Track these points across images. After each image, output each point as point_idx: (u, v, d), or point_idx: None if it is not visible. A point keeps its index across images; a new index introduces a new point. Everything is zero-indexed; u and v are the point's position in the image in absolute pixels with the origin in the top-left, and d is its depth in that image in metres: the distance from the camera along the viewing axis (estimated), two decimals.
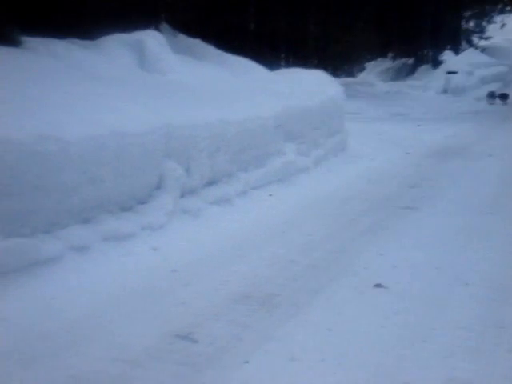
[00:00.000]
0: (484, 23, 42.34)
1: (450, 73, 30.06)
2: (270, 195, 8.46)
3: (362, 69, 36.59)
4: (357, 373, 3.83)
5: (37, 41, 8.38)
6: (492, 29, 44.29)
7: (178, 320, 4.48)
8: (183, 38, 14.04)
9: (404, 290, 5.18)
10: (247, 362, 3.91)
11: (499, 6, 44.12)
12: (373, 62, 38.13)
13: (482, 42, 42.20)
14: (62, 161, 5.51)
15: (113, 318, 4.50)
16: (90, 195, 5.86)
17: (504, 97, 22.16)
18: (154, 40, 10.22)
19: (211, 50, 13.41)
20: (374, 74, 36.81)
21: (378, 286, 5.24)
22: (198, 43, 13.70)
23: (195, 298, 4.89)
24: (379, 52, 36.39)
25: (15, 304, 4.56)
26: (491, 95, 22.81)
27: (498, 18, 47.07)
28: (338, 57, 27.83)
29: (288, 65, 23.08)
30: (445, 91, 29.17)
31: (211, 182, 7.72)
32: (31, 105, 5.80)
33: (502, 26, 51.84)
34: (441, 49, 35.16)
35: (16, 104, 5.68)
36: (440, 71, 31.50)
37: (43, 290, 4.83)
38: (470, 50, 38.44)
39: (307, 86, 12.01)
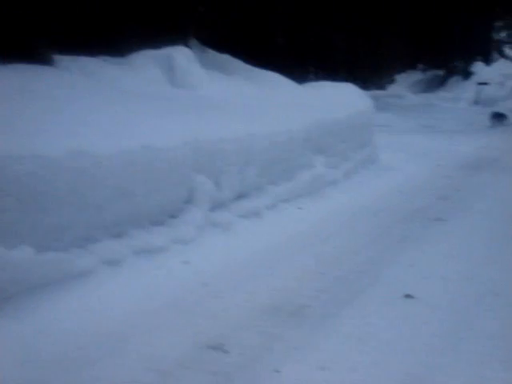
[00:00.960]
0: None
1: (481, 84, 29.88)
2: (299, 208, 8.49)
3: (392, 81, 36.45)
4: (386, 382, 3.86)
5: (69, 59, 8.55)
6: None
7: (208, 331, 4.54)
8: (212, 54, 14.16)
9: (434, 301, 5.20)
10: (278, 371, 3.95)
11: None
12: (403, 74, 38.00)
13: None
14: (94, 176, 5.61)
15: (145, 329, 4.57)
16: (122, 210, 5.96)
17: (503, 117, 20.67)
18: (183, 55, 10.34)
19: (240, 65, 13.51)
20: (404, 86, 36.69)
21: (407, 296, 5.26)
22: (226, 58, 13.83)
23: (225, 310, 4.95)
24: (409, 64, 36.27)
25: (50, 316, 4.63)
26: (495, 116, 20.94)
27: None
28: (367, 69, 27.78)
29: (317, 78, 23.11)
30: (476, 103, 29.00)
31: (240, 196, 7.78)
32: (64, 121, 5.92)
33: None
34: (472, 60, 34.97)
35: (49, 121, 5.80)
36: (471, 82, 31.33)
37: (77, 302, 4.91)
38: (502, 60, 38.21)
39: (336, 99, 12.05)
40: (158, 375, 3.89)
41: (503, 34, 41.50)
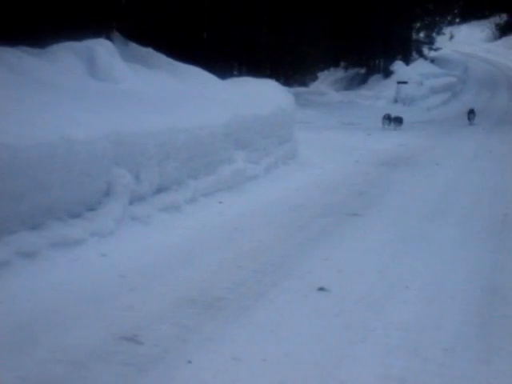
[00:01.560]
0: (434, 34, 43.07)
1: (400, 83, 30.49)
2: (220, 202, 8.58)
3: (315, 78, 36.85)
4: (296, 372, 3.97)
5: None
6: (441, 40, 45.17)
7: (123, 323, 4.57)
8: (134, 47, 14.08)
9: (346, 293, 5.34)
10: (190, 361, 4.02)
11: (448, 18, 45.03)
12: (325, 72, 38.47)
13: (432, 53, 42.96)
14: (10, 167, 5.57)
15: (59, 321, 4.58)
16: (39, 201, 5.92)
17: (398, 120, 20.94)
18: (104, 48, 10.25)
19: (162, 59, 13.47)
20: (326, 83, 37.18)
21: (321, 289, 5.39)
22: (149, 52, 13.77)
23: (141, 302, 4.99)
24: (332, 62, 36.73)
25: None
26: (387, 118, 20.80)
27: (447, 30, 48.08)
28: (290, 66, 28.03)
29: (241, 74, 23.20)
30: (395, 101, 29.60)
31: (160, 189, 7.80)
32: None
33: (451, 37, 52.93)
34: (392, 59, 35.67)
35: None
36: (391, 81, 31.96)
37: None
38: (420, 60, 39.11)
39: (257, 94, 12.15)
40: (70, 366, 3.92)
41: (422, 35, 42.44)
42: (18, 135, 5.78)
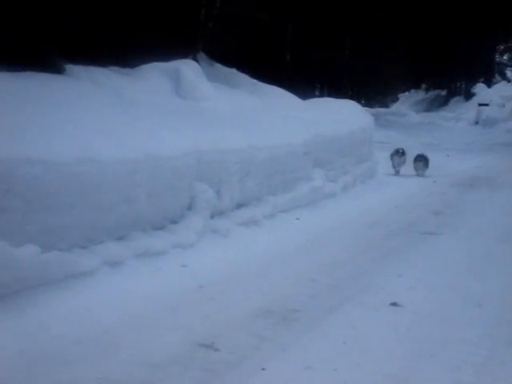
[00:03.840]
0: None
1: (481, 105, 30.14)
2: (297, 219, 8.76)
3: (396, 99, 36.80)
4: (367, 382, 4.10)
5: (80, 68, 8.83)
6: None
7: (201, 331, 4.78)
8: (219, 67, 14.46)
9: (418, 309, 5.44)
10: (264, 369, 4.20)
11: None
12: (406, 93, 38.36)
13: None
14: (98, 181, 5.87)
15: (141, 327, 4.81)
16: (125, 214, 6.22)
17: (422, 161, 16.47)
18: (190, 68, 10.62)
19: (246, 79, 13.81)
20: (407, 104, 37.02)
21: (393, 304, 5.50)
22: (233, 72, 14.13)
23: (219, 312, 5.19)
24: (413, 83, 36.61)
25: (51, 313, 4.86)
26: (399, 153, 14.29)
27: None
28: (371, 88, 28.11)
29: (322, 95, 23.40)
30: (476, 123, 29.27)
31: (240, 205, 8.04)
32: (70, 128, 6.16)
33: None
34: (474, 81, 35.30)
35: (58, 127, 6.05)
36: (472, 103, 31.62)
37: (78, 301, 5.14)
38: (503, 82, 38.53)
39: (338, 115, 12.33)
40: (151, 369, 4.13)
41: (505, 57, 41.80)
42: (106, 151, 6.09)
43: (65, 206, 5.52)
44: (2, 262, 4.77)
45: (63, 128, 6.10)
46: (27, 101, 6.40)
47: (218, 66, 14.59)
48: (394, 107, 34.75)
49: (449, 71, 34.26)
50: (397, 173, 14.28)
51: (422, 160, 14.36)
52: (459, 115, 30.19)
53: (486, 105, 30.15)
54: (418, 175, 14.24)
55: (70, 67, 8.63)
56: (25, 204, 5.14)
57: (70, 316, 4.86)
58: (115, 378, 3.99)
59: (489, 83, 36.51)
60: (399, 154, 14.20)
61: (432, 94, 37.85)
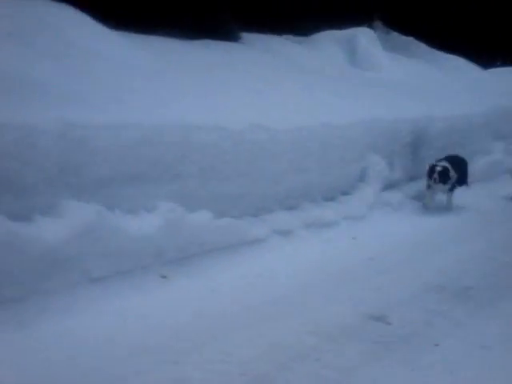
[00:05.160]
0: None
1: None
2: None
3: None
4: None
5: (254, 36, 8.91)
6: None
7: (372, 303, 4.68)
8: (396, 36, 14.12)
9: None
10: (437, 344, 4.05)
11: None
12: None
13: None
14: (271, 150, 5.89)
15: (310, 297, 4.77)
16: (295, 184, 6.21)
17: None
18: (365, 37, 10.45)
19: (423, 48, 13.42)
20: None
21: None
22: (410, 41, 13.76)
23: (390, 285, 5.07)
24: None
25: (222, 278, 4.93)
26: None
27: None
28: None
29: (505, 65, 22.39)
30: None
31: (413, 177, 7.81)
32: (243, 95, 6.22)
33: None
34: None
35: (230, 94, 6.11)
36: None
37: (249, 267, 5.19)
38: None
39: None
40: (321, 339, 4.08)
41: None
42: (276, 118, 6.08)
43: (237, 173, 5.58)
44: (178, 226, 4.89)
45: (234, 95, 6.15)
46: (201, 67, 6.51)
47: (395, 34, 14.24)
48: None
49: None
50: None
51: None
52: None
53: None
54: None
55: (245, 36, 8.72)
56: (199, 171, 5.25)
57: (241, 282, 4.91)
58: (286, 344, 3.97)
59: None
60: None
61: None
